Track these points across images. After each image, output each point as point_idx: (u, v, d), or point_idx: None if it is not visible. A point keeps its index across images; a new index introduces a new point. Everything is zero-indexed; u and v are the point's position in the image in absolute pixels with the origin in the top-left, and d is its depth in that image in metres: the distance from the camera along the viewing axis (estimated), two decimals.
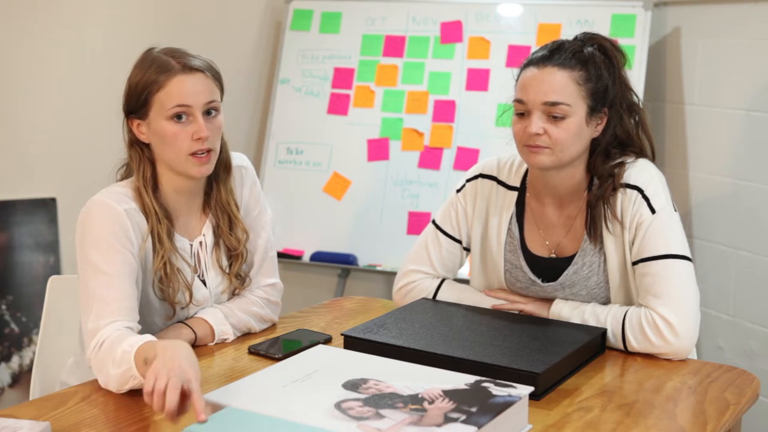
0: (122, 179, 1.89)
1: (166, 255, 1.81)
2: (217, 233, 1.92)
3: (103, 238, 1.74)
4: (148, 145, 1.84)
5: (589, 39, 1.94)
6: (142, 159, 1.83)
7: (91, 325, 1.69)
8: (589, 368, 1.78)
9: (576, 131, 1.87)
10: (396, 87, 3.47)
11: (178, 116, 1.77)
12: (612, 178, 1.92)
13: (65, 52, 3.11)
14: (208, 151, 1.80)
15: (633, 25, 3.18)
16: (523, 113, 1.90)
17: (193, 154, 1.79)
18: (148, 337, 1.63)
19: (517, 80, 1.93)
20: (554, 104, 1.85)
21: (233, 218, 1.93)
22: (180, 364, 1.42)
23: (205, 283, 1.90)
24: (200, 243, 1.90)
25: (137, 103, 1.80)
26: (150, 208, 1.81)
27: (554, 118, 1.86)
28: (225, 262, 1.94)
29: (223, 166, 1.93)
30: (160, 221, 1.81)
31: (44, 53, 3.04)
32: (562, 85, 1.86)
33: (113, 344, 1.63)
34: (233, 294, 1.97)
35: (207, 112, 1.81)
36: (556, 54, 1.89)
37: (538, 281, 1.99)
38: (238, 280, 1.95)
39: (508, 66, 3.31)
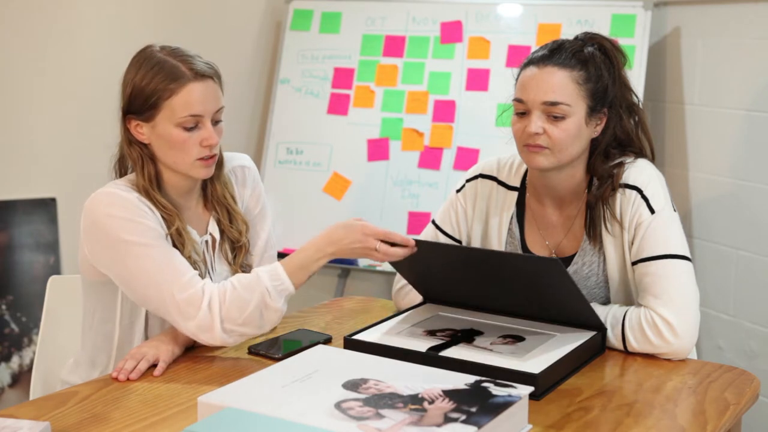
0: (118, 177, 1.90)
1: (191, 250, 1.83)
2: (220, 227, 1.94)
3: (126, 218, 1.75)
4: (146, 144, 1.84)
5: (589, 39, 1.94)
6: (144, 158, 1.83)
7: (183, 295, 1.71)
8: (589, 368, 1.78)
9: (575, 131, 1.87)
10: (396, 87, 3.47)
11: (189, 124, 1.79)
12: (611, 179, 1.92)
13: (65, 52, 3.11)
14: (213, 155, 1.83)
15: (633, 25, 3.17)
16: (523, 113, 1.90)
17: (200, 158, 1.81)
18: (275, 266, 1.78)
19: (517, 79, 1.93)
20: (554, 104, 1.85)
21: (231, 210, 1.95)
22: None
23: (211, 278, 1.91)
24: (206, 242, 1.91)
25: (143, 105, 1.79)
26: (166, 206, 1.81)
27: (554, 118, 1.86)
28: (230, 255, 1.95)
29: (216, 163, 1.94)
30: (179, 218, 1.83)
31: (44, 53, 3.04)
32: (561, 84, 1.86)
33: (245, 292, 1.74)
34: None
35: (214, 121, 1.83)
36: (556, 54, 1.89)
37: None
38: (241, 270, 1.96)
39: (508, 66, 3.31)
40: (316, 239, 1.78)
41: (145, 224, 1.75)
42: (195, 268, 1.82)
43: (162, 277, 1.72)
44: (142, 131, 1.82)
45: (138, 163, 1.83)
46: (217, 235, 1.93)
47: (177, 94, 1.77)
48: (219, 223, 1.94)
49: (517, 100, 1.90)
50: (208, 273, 1.90)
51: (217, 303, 1.72)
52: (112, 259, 1.77)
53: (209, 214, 1.94)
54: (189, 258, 1.82)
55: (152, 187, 1.82)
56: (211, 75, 1.82)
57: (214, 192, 1.94)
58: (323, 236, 1.77)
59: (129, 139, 1.84)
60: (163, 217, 1.81)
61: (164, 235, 1.79)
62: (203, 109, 1.79)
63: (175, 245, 1.81)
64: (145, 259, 1.73)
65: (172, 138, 1.79)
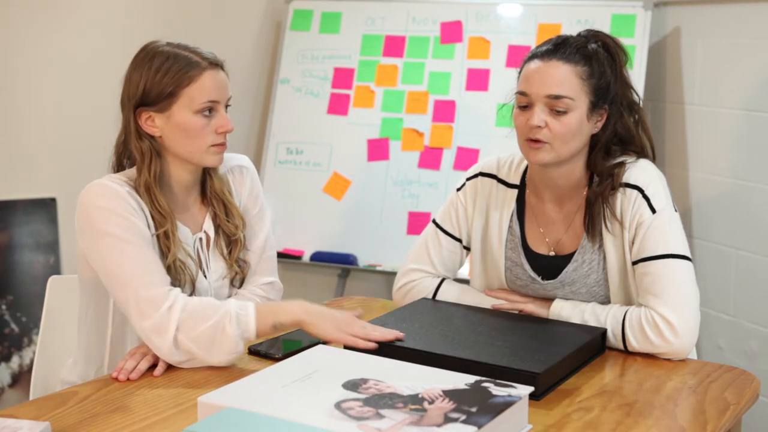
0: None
1: (176, 252, 1.83)
2: (215, 222, 1.94)
3: (113, 211, 1.76)
4: (153, 138, 1.85)
5: (592, 36, 1.94)
6: (152, 153, 1.84)
7: (147, 293, 1.71)
8: (589, 368, 1.78)
9: (577, 126, 1.87)
10: (396, 87, 3.47)
11: (207, 110, 1.82)
12: (611, 178, 1.92)
13: (65, 51, 3.11)
14: (225, 142, 1.87)
15: (633, 25, 3.18)
16: (525, 106, 1.90)
17: (213, 145, 1.84)
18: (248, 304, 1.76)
19: (520, 73, 1.93)
20: (557, 97, 1.85)
21: (228, 204, 1.96)
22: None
23: (205, 275, 1.91)
24: (200, 239, 1.91)
25: (159, 96, 1.81)
26: (163, 206, 1.82)
27: (556, 112, 1.86)
28: (225, 250, 1.96)
29: None
30: (171, 220, 1.83)
31: (44, 53, 3.04)
32: (566, 78, 1.86)
33: (208, 308, 1.72)
34: (232, 283, 1.98)
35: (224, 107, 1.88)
36: (560, 48, 1.89)
37: (538, 279, 1.99)
38: (237, 265, 1.97)
39: (508, 66, 3.32)
40: (302, 301, 1.80)
41: (130, 220, 1.76)
42: (180, 271, 1.84)
43: (132, 274, 1.73)
44: (154, 123, 1.83)
45: (146, 157, 1.84)
46: (212, 232, 1.94)
47: (195, 81, 1.81)
48: (215, 218, 1.94)
49: (521, 93, 1.90)
50: (202, 270, 1.90)
51: (179, 309, 1.71)
52: (93, 249, 1.78)
53: (206, 210, 1.95)
54: (174, 261, 1.82)
55: (155, 184, 1.83)
56: (221, 64, 1.87)
57: (212, 186, 1.95)
58: (311, 304, 1.80)
59: (139, 133, 1.84)
60: (153, 217, 1.81)
61: (149, 235, 1.80)
62: (219, 95, 1.84)
63: (160, 247, 1.82)
64: (121, 253, 1.74)
65: (190, 125, 1.81)
